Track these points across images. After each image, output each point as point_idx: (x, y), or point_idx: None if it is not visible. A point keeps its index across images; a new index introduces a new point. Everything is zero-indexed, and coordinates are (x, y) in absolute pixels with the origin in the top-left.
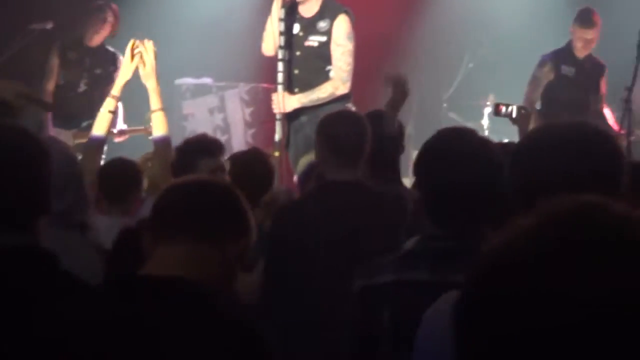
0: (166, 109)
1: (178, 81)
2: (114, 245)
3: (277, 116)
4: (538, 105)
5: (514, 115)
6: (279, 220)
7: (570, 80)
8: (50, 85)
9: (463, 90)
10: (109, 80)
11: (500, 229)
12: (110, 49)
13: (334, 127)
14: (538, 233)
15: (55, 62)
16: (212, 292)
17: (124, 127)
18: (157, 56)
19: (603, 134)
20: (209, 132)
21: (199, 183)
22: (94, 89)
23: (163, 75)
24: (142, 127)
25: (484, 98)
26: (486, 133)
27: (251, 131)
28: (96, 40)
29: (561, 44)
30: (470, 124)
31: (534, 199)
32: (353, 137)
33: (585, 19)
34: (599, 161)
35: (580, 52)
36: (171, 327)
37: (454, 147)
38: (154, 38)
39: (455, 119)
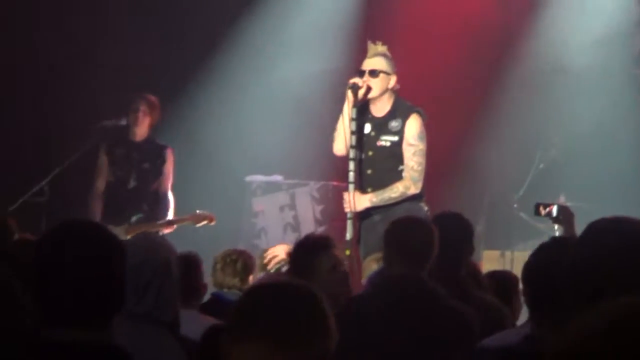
0: (236, 205)
1: (248, 178)
2: (199, 344)
3: (348, 215)
4: None
5: (554, 214)
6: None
7: None
8: (101, 184)
9: (534, 190)
10: (157, 173)
11: (567, 325)
12: (158, 142)
13: (402, 233)
14: (610, 336)
15: (104, 160)
16: None
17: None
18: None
19: None
20: (280, 229)
21: (280, 286)
22: (143, 183)
23: (233, 172)
24: (188, 216)
25: (556, 198)
26: (557, 233)
27: (321, 229)
28: (139, 133)
29: (634, 144)
30: (541, 225)
31: (598, 297)
32: (420, 244)
33: None
34: None
35: None
36: None
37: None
38: (225, 134)
39: (526, 219)
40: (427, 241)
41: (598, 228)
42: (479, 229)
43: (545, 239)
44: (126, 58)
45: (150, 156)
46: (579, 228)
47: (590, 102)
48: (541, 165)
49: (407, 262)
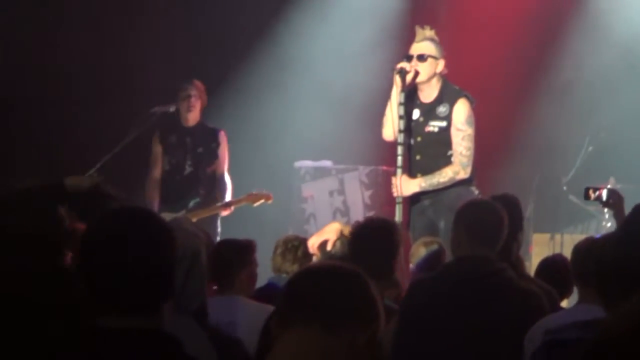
0: (285, 190)
1: (297, 164)
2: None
3: (398, 199)
4: None
5: (604, 198)
6: (412, 294)
7: None
8: (157, 173)
9: (583, 173)
10: (213, 157)
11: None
12: (209, 125)
13: (474, 214)
14: None
15: (158, 149)
16: None
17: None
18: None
19: None
20: (329, 214)
21: (330, 269)
22: (199, 168)
23: (282, 158)
24: (244, 196)
25: (605, 181)
26: (606, 217)
27: (371, 214)
28: (191, 119)
29: None
30: (590, 208)
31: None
32: (491, 225)
33: None
34: None
35: None
36: None
37: None
38: (275, 118)
39: (575, 202)
40: (498, 222)
41: None
42: (528, 212)
43: (595, 222)
44: (174, 44)
45: (204, 140)
46: (627, 209)
47: (636, 82)
48: (590, 148)
49: (477, 242)
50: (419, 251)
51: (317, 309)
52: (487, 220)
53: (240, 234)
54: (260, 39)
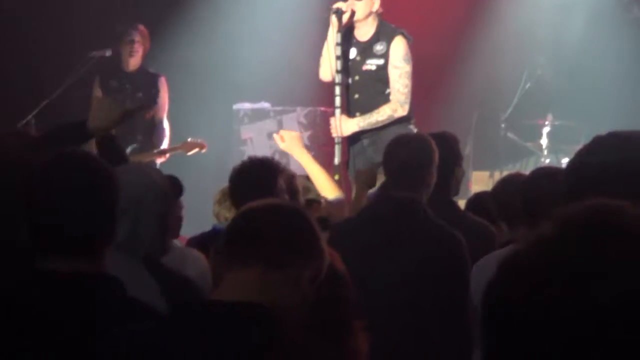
0: (224, 133)
1: (236, 106)
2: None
3: (337, 140)
4: None
5: None
6: (335, 239)
7: None
8: None
9: (521, 110)
10: (152, 103)
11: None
12: (151, 70)
13: (400, 149)
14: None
15: (98, 93)
16: (283, 318)
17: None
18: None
19: None
20: (268, 156)
21: (270, 207)
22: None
23: (221, 100)
24: (180, 145)
25: (542, 118)
26: (545, 153)
27: (310, 155)
28: (132, 64)
29: (618, 63)
30: (529, 144)
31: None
32: (418, 160)
33: None
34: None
35: None
36: (239, 354)
37: None
38: (212, 61)
39: (513, 139)
40: (426, 156)
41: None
42: (467, 150)
43: (533, 158)
44: None
45: (144, 86)
46: (565, 145)
47: (575, 19)
48: (527, 85)
49: (404, 178)
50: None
51: (260, 246)
52: (413, 159)
53: (181, 179)
54: None
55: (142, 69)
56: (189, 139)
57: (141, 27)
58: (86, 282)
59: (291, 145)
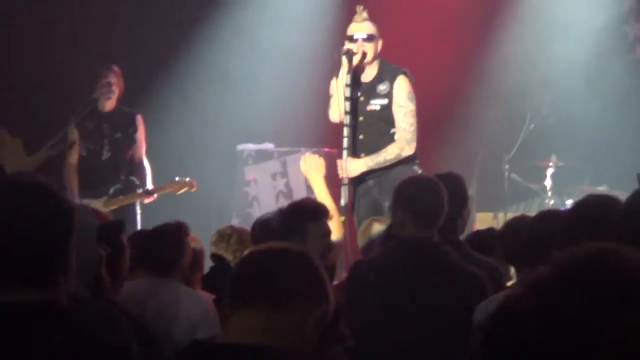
0: (228, 174)
1: (240, 147)
2: None
3: (344, 181)
4: None
5: None
6: (355, 275)
7: None
8: (74, 159)
9: (525, 152)
10: (131, 142)
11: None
12: (126, 109)
13: (413, 192)
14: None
15: (75, 135)
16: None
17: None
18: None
19: None
20: (272, 197)
21: (277, 251)
22: (117, 153)
23: (225, 142)
24: (168, 184)
25: (547, 159)
26: (549, 194)
27: (314, 196)
28: (109, 105)
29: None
30: (533, 186)
31: None
32: (433, 202)
33: None
34: None
35: None
36: None
37: None
38: (217, 102)
39: (518, 180)
40: (440, 202)
41: None
42: (472, 191)
43: (538, 200)
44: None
45: (122, 126)
46: (567, 187)
47: (582, 61)
48: (532, 126)
49: (418, 220)
50: (373, 228)
51: (267, 290)
52: (429, 201)
53: (186, 219)
54: (199, 23)
55: (118, 109)
56: (177, 178)
57: (116, 68)
58: (31, 313)
59: (310, 170)
